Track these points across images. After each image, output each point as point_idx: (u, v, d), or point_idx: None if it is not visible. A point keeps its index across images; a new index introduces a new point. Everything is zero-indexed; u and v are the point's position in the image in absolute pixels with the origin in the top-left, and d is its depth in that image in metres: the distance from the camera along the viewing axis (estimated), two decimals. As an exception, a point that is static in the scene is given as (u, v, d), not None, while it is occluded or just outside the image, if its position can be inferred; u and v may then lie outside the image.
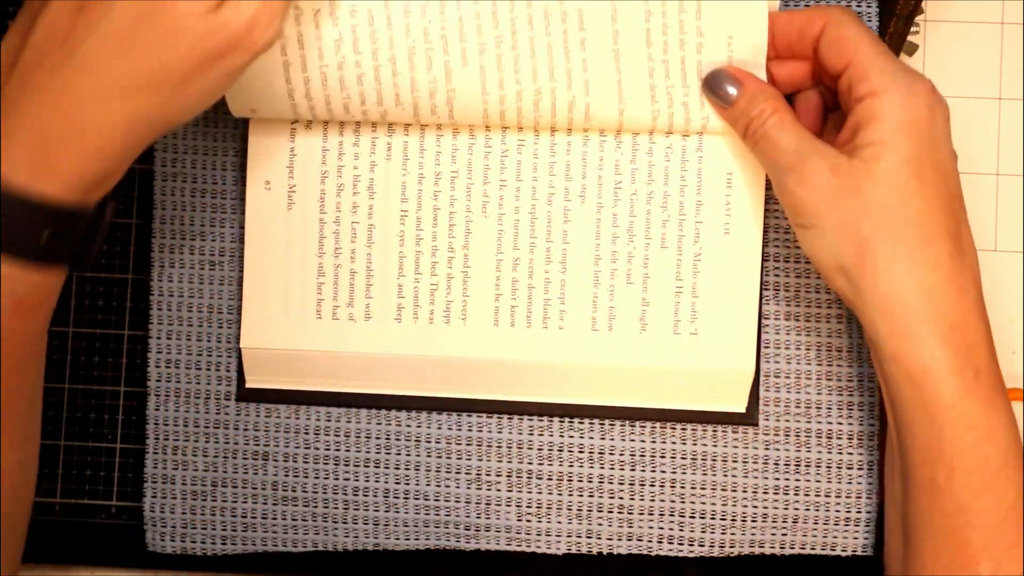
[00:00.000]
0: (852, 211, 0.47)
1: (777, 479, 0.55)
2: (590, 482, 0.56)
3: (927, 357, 0.46)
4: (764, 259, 0.55)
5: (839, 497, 0.55)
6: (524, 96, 0.52)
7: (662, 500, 0.56)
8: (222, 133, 0.57)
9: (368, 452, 0.56)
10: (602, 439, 0.56)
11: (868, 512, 0.55)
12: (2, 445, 0.45)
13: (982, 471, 0.46)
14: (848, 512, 0.55)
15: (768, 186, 0.54)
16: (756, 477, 0.56)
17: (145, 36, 0.42)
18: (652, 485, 0.56)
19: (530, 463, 0.56)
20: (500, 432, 0.56)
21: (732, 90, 0.50)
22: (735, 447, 0.56)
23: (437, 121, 0.53)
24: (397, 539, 0.56)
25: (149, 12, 0.42)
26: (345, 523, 0.56)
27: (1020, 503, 0.46)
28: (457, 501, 0.56)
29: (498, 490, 0.56)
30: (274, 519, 0.57)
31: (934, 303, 0.46)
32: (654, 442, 0.56)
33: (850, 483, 0.55)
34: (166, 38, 0.42)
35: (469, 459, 0.56)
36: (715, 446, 0.56)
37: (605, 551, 0.56)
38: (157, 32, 0.42)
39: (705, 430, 0.56)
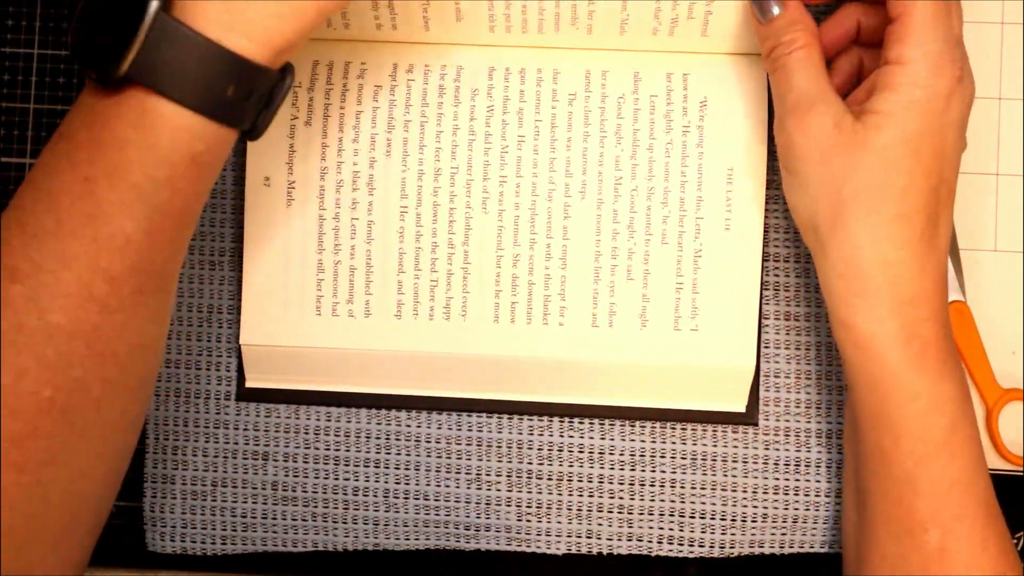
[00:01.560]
0: (839, 169, 0.46)
1: (777, 479, 0.55)
2: (590, 482, 0.56)
3: (875, 326, 0.46)
4: (764, 259, 0.55)
5: (839, 497, 0.55)
6: None
7: (662, 500, 0.56)
8: (223, 133, 0.57)
9: (368, 452, 0.56)
10: (602, 439, 0.56)
11: (869, 511, 0.55)
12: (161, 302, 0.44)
13: (926, 440, 0.46)
14: (849, 511, 0.55)
15: (768, 184, 0.54)
16: (756, 477, 0.56)
17: None
18: (652, 485, 0.56)
19: (530, 463, 0.56)
20: (500, 432, 0.56)
21: (775, 8, 0.49)
22: (735, 447, 0.56)
23: (442, 29, 0.54)
24: (397, 539, 0.56)
25: None
26: (345, 523, 0.56)
27: (967, 476, 0.47)
28: (457, 501, 0.56)
29: (498, 490, 0.56)
30: (274, 519, 0.56)
31: (891, 277, 0.46)
32: (654, 442, 0.56)
33: (851, 482, 0.55)
34: None
35: (469, 459, 0.56)
36: (715, 446, 0.56)
37: (605, 551, 0.56)
38: None
39: (705, 430, 0.56)
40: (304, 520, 0.56)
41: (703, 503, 0.56)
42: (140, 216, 0.41)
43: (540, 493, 0.56)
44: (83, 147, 0.41)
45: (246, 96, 0.42)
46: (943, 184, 0.47)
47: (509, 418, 0.56)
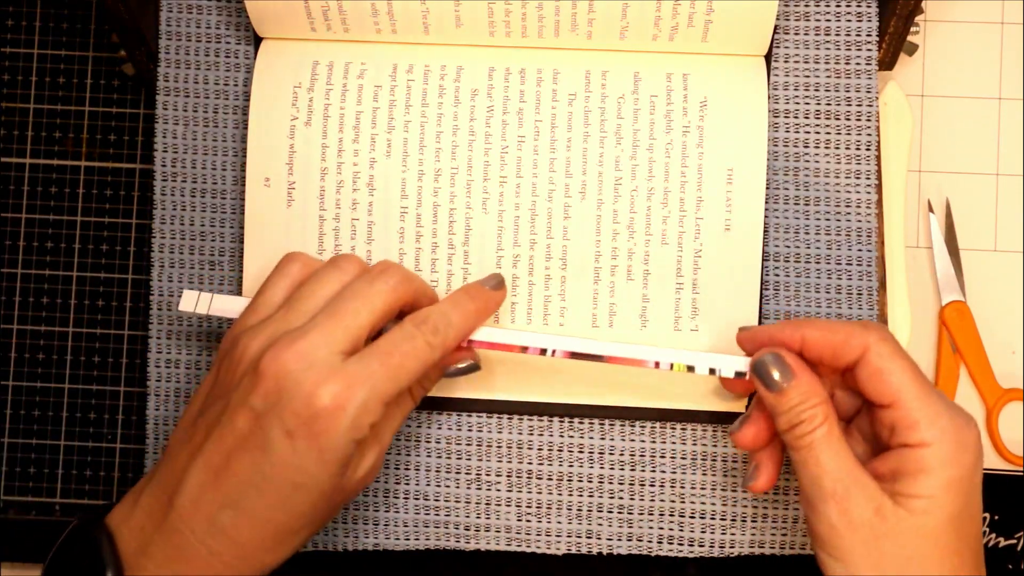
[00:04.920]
0: (889, 559, 0.45)
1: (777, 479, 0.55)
2: (590, 482, 0.56)
3: None
4: (764, 259, 0.55)
5: (840, 497, 0.55)
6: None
7: (662, 500, 0.56)
8: (222, 133, 0.57)
9: (368, 452, 0.56)
10: (602, 439, 0.56)
11: (869, 511, 0.55)
12: None
13: None
14: (849, 511, 0.55)
15: (768, 184, 0.54)
16: (756, 477, 0.56)
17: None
18: (652, 485, 0.56)
19: (530, 463, 0.56)
20: (500, 432, 0.56)
21: (782, 380, 0.48)
22: (735, 447, 0.56)
23: (442, 34, 0.54)
24: (397, 539, 0.56)
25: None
26: (345, 523, 0.56)
27: None
28: (457, 501, 0.56)
29: (498, 490, 0.56)
30: (274, 519, 0.56)
31: None
32: (654, 442, 0.56)
33: (851, 482, 0.55)
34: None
35: (469, 459, 0.56)
36: (715, 446, 0.56)
37: (605, 551, 0.56)
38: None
39: (705, 430, 0.56)
40: (304, 520, 0.56)
41: (703, 503, 0.56)
42: None
43: (540, 493, 0.56)
44: None
45: None
46: (978, 536, 0.47)
47: (509, 418, 0.56)
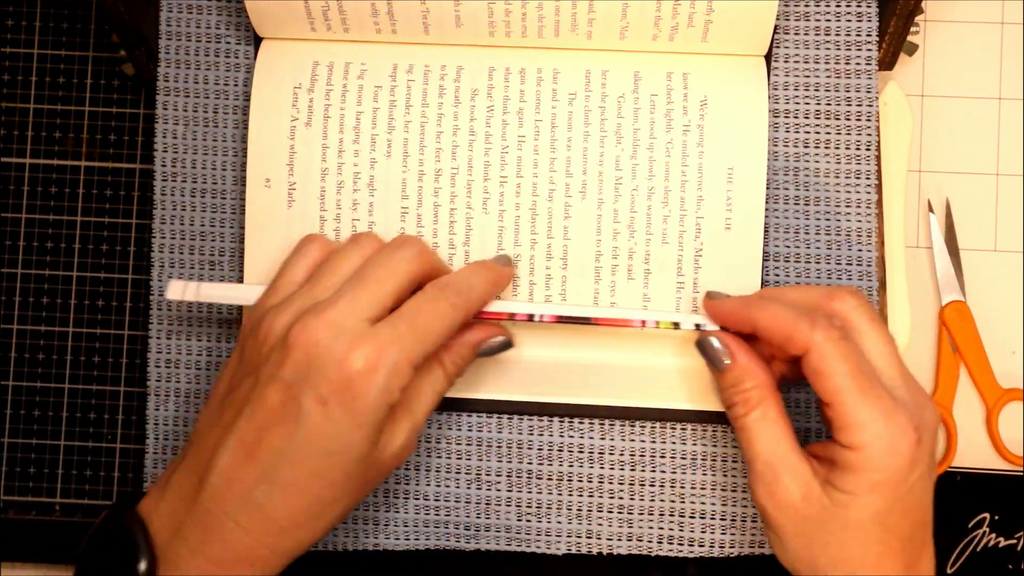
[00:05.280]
0: (814, 540, 0.47)
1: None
2: (590, 482, 0.56)
3: None
4: (764, 259, 0.55)
5: (840, 497, 0.55)
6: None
7: (662, 500, 0.56)
8: (222, 133, 0.57)
9: (368, 452, 0.56)
10: (602, 439, 0.56)
11: (869, 511, 0.55)
12: None
13: None
14: (849, 511, 0.55)
15: (768, 184, 0.54)
16: (756, 477, 0.56)
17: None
18: (652, 485, 0.56)
19: (530, 463, 0.56)
20: (500, 432, 0.56)
21: (725, 359, 0.49)
22: (735, 447, 0.56)
23: (442, 34, 0.54)
24: (397, 539, 0.56)
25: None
26: (345, 523, 0.56)
27: None
28: (457, 501, 0.56)
29: (498, 490, 0.56)
30: (274, 519, 0.56)
31: None
32: (654, 442, 0.56)
33: (851, 482, 0.55)
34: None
35: (469, 459, 0.56)
36: (715, 446, 0.56)
37: (605, 551, 0.56)
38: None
39: (705, 430, 0.56)
40: (304, 520, 0.56)
41: (703, 503, 0.56)
42: None
43: (540, 493, 0.56)
44: None
45: None
46: (918, 529, 0.47)
47: (509, 418, 0.56)
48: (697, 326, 0.51)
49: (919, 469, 0.46)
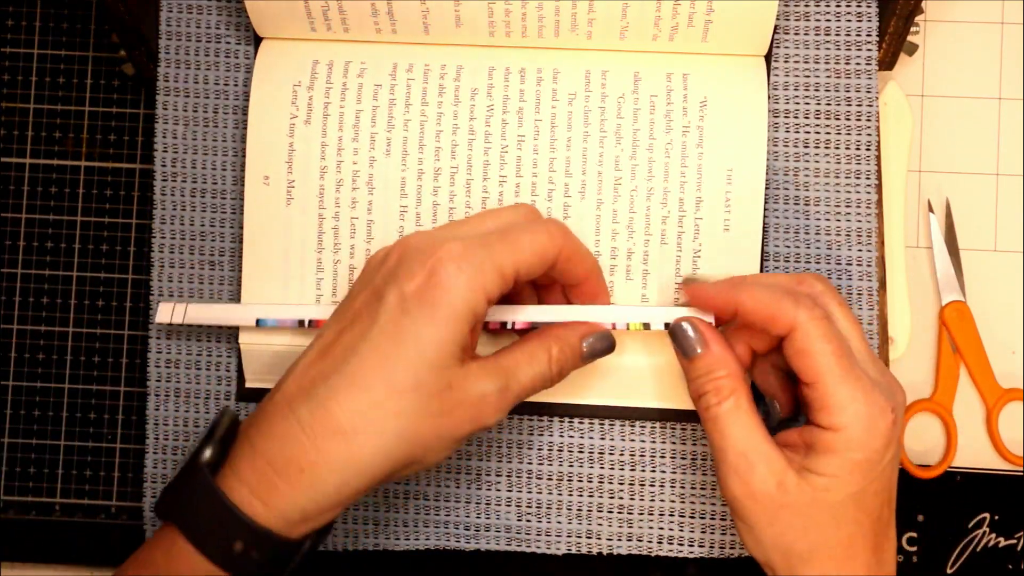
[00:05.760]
0: (791, 529, 0.47)
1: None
2: (590, 482, 0.56)
3: None
4: (764, 259, 0.55)
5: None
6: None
7: (662, 500, 0.56)
8: (222, 133, 0.57)
9: (368, 452, 0.56)
10: (602, 439, 0.56)
11: (869, 511, 0.55)
12: None
13: None
14: (849, 511, 0.55)
15: (768, 184, 0.54)
16: (756, 477, 0.55)
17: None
18: (652, 485, 0.56)
19: (530, 463, 0.56)
20: (500, 432, 0.56)
21: (697, 347, 0.49)
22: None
23: (442, 34, 0.54)
24: (397, 539, 0.56)
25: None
26: (345, 523, 0.56)
27: None
28: (457, 501, 0.56)
29: (498, 490, 0.56)
30: (273, 519, 0.56)
31: None
32: (654, 442, 0.56)
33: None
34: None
35: (469, 459, 0.56)
36: (715, 446, 0.56)
37: (605, 551, 0.56)
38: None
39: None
40: (304, 520, 0.56)
41: (703, 503, 0.56)
42: None
43: (540, 493, 0.56)
44: (131, 563, 0.47)
45: (252, 553, 0.44)
46: (885, 508, 0.48)
47: (509, 418, 0.56)
48: (667, 325, 0.51)
49: (892, 449, 0.46)
